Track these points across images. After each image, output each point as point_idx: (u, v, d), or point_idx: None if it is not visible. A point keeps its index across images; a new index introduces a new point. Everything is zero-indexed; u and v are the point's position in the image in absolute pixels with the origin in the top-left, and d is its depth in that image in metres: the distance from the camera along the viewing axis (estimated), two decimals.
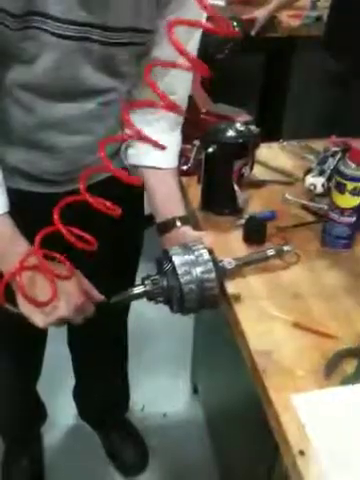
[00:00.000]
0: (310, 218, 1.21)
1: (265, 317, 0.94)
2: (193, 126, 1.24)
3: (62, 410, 1.81)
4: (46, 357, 1.47)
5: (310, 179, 1.24)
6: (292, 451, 0.73)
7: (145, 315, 1.59)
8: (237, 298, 0.98)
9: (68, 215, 0.78)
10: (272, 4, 2.56)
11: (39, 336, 1.35)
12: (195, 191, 1.24)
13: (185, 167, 1.30)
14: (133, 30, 0.90)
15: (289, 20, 2.65)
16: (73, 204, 0.78)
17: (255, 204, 1.24)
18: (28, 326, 0.86)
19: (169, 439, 1.77)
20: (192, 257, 0.88)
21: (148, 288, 0.90)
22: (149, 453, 1.73)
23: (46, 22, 0.83)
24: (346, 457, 0.73)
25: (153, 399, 1.89)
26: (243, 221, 1.15)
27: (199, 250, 0.89)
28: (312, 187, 1.24)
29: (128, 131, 0.81)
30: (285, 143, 1.49)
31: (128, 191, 0.90)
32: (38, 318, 0.85)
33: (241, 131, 1.14)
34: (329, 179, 1.21)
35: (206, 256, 0.89)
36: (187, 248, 0.90)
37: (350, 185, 1.04)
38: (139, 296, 0.91)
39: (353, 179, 1.04)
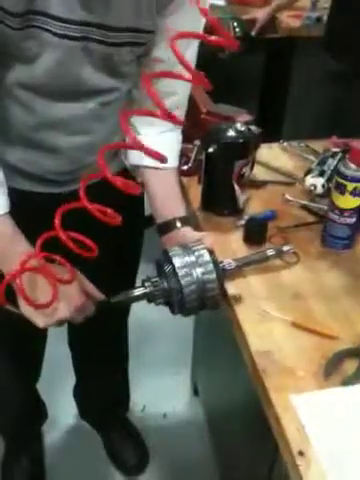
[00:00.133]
0: (310, 219, 1.21)
1: (265, 317, 0.95)
2: (194, 126, 1.24)
3: (62, 410, 1.81)
4: (46, 357, 1.47)
5: (310, 180, 1.25)
6: (292, 451, 0.73)
7: (146, 316, 1.59)
8: (237, 299, 0.98)
9: (68, 217, 0.78)
10: (272, 4, 2.56)
11: (39, 335, 1.35)
12: (195, 191, 1.24)
13: (186, 167, 1.31)
14: (134, 30, 0.90)
15: (289, 20, 2.65)
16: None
17: (255, 204, 1.24)
18: (28, 325, 0.86)
19: (169, 439, 1.77)
20: (192, 258, 0.88)
21: (148, 290, 0.90)
22: (149, 453, 1.73)
23: (47, 22, 0.83)
24: (346, 458, 0.73)
25: (153, 399, 1.89)
26: (243, 221, 1.15)
27: (199, 251, 0.89)
28: (312, 188, 1.24)
29: (128, 139, 0.81)
30: (285, 143, 1.49)
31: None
32: (39, 319, 0.85)
33: (242, 131, 1.14)
34: (329, 180, 1.21)
35: (206, 257, 0.89)
36: (187, 249, 0.90)
37: (350, 186, 1.04)
38: (139, 298, 0.91)
39: (353, 180, 1.04)
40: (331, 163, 1.27)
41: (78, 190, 0.75)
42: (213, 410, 1.72)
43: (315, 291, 1.01)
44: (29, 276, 0.83)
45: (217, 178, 1.18)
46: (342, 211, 1.07)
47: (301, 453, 0.73)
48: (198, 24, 0.91)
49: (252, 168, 1.23)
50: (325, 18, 2.31)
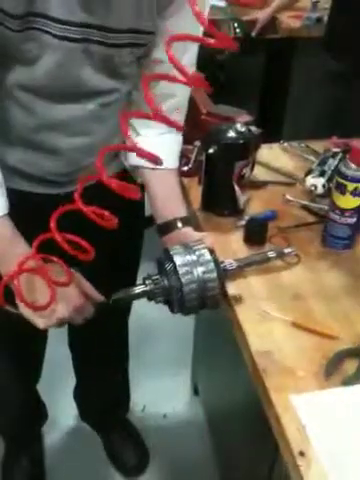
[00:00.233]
0: (311, 219, 1.21)
1: (266, 318, 0.95)
2: (194, 127, 1.24)
3: (63, 411, 1.81)
4: (47, 358, 1.47)
5: (311, 180, 1.25)
6: (292, 452, 0.73)
7: (146, 316, 1.59)
8: (238, 299, 0.98)
9: (66, 217, 0.78)
10: (273, 5, 2.56)
11: (39, 336, 1.35)
12: (196, 192, 1.24)
13: (186, 168, 1.31)
14: (134, 32, 0.90)
15: (290, 21, 2.66)
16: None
17: (256, 205, 1.24)
18: (28, 326, 0.86)
19: (169, 440, 1.77)
20: (193, 257, 0.88)
21: (149, 288, 0.90)
22: (149, 454, 1.73)
23: (47, 24, 0.83)
24: (347, 458, 0.73)
25: (153, 400, 1.89)
26: (244, 222, 1.15)
27: (200, 250, 0.89)
28: (313, 188, 1.24)
29: (127, 142, 0.81)
30: (286, 144, 1.49)
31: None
32: (38, 320, 0.85)
33: (242, 132, 1.14)
34: (330, 180, 1.21)
35: (207, 256, 0.89)
36: (188, 248, 0.90)
37: (351, 186, 1.04)
38: (140, 296, 0.91)
39: (354, 180, 1.04)
40: (331, 163, 1.27)
41: (74, 194, 0.75)
42: (213, 410, 1.72)
43: (315, 291, 1.01)
44: (27, 277, 0.83)
45: (217, 179, 1.18)
46: (343, 211, 1.07)
47: (302, 453, 0.73)
48: (198, 26, 0.91)
49: (252, 169, 1.23)
50: (325, 18, 2.31)
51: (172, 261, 0.88)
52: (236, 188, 1.16)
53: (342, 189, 1.05)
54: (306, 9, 2.69)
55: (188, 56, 0.96)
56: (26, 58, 0.87)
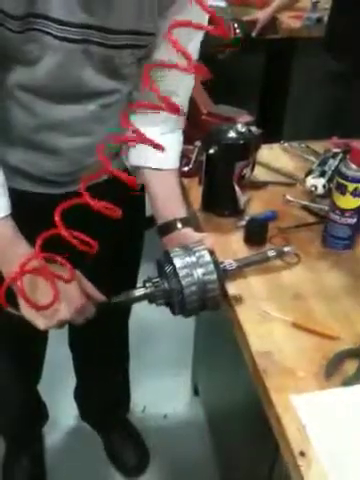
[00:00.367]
0: (311, 219, 1.21)
1: (266, 318, 0.95)
2: (194, 127, 1.24)
3: (63, 411, 1.81)
4: (47, 358, 1.47)
5: (311, 180, 1.25)
6: (293, 452, 0.74)
7: (146, 316, 1.59)
8: (238, 299, 0.98)
9: (69, 217, 0.78)
10: (273, 5, 2.56)
11: (40, 337, 1.35)
12: (196, 192, 1.24)
13: (186, 168, 1.31)
14: (135, 33, 0.90)
15: (290, 21, 2.66)
16: (74, 206, 0.78)
17: (256, 205, 1.24)
18: (29, 327, 0.86)
19: (170, 440, 1.77)
20: (193, 259, 0.88)
21: (149, 291, 0.90)
22: (150, 454, 1.73)
23: (47, 24, 0.83)
24: (347, 458, 0.73)
25: (154, 400, 1.89)
26: (244, 222, 1.15)
27: (200, 251, 0.89)
28: (313, 188, 1.24)
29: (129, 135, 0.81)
30: (286, 144, 1.49)
31: (129, 192, 0.91)
32: (39, 321, 0.85)
33: (242, 132, 1.14)
34: (330, 180, 1.21)
35: (207, 257, 0.89)
36: (188, 249, 0.90)
37: (351, 186, 1.04)
38: (140, 299, 0.91)
39: (354, 180, 1.04)
40: (332, 164, 1.27)
41: (78, 191, 0.75)
42: (214, 410, 1.72)
43: (315, 291, 1.01)
44: (29, 278, 0.83)
45: (218, 179, 1.18)
46: (343, 211, 1.08)
47: (302, 453, 0.73)
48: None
49: (253, 169, 1.24)
50: (325, 19, 2.31)
51: (172, 263, 0.88)
52: (236, 188, 1.16)
53: (342, 189, 1.05)
54: (306, 9, 2.69)
55: (190, 47, 0.95)
56: (27, 59, 0.88)
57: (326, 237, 1.13)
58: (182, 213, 1.02)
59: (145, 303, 0.92)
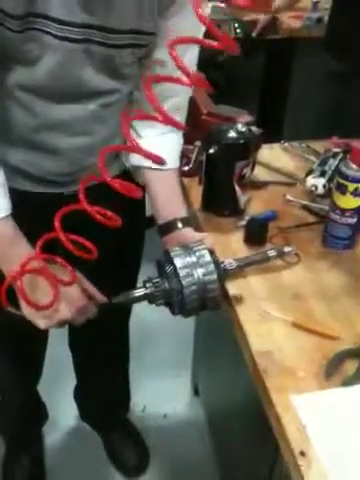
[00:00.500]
0: (311, 219, 1.21)
1: (266, 318, 0.95)
2: (194, 127, 1.24)
3: (63, 411, 1.81)
4: (47, 358, 1.47)
5: (311, 180, 1.25)
6: (293, 452, 0.73)
7: (146, 317, 1.59)
8: (238, 299, 0.98)
9: (69, 217, 0.78)
10: (274, 5, 2.56)
11: (40, 337, 1.35)
12: (196, 192, 1.24)
13: (186, 168, 1.31)
14: (135, 32, 0.90)
15: (290, 21, 2.66)
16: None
17: (256, 205, 1.24)
18: (29, 327, 0.86)
19: (170, 440, 1.77)
20: (193, 259, 0.88)
21: (149, 291, 0.90)
22: (150, 454, 1.73)
23: (47, 24, 0.83)
24: (347, 458, 0.73)
25: (154, 400, 1.89)
26: (244, 222, 1.15)
27: (200, 251, 0.89)
28: (313, 188, 1.24)
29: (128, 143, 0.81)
30: (286, 144, 1.49)
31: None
32: (40, 320, 0.85)
33: (242, 132, 1.14)
34: (330, 180, 1.21)
35: (207, 257, 0.89)
36: (188, 249, 0.90)
37: (351, 186, 1.04)
38: (140, 299, 0.91)
39: (354, 180, 1.04)
40: (332, 163, 1.27)
41: (78, 191, 0.75)
42: (214, 410, 1.72)
43: (315, 291, 1.01)
44: (30, 278, 0.83)
45: (218, 179, 1.18)
46: (343, 211, 1.07)
47: (302, 453, 0.73)
48: (200, 26, 0.91)
49: (253, 169, 1.24)
50: (326, 19, 2.32)
51: (172, 263, 0.88)
52: (236, 188, 1.16)
53: (342, 189, 1.05)
54: (307, 9, 2.69)
55: (189, 56, 0.96)
56: (27, 58, 0.88)
57: (326, 237, 1.13)
58: (182, 213, 1.02)
59: (145, 303, 0.93)
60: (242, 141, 1.13)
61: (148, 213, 1.19)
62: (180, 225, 1.00)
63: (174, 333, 1.98)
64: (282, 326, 0.93)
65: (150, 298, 0.91)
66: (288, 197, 1.25)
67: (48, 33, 0.84)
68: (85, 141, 1.01)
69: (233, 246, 1.11)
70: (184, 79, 0.63)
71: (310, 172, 1.27)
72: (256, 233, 1.12)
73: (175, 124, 0.70)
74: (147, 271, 0.98)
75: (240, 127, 1.15)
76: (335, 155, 1.30)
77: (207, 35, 0.65)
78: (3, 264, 0.87)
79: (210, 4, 0.99)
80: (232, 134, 1.14)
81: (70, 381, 1.70)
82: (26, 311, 0.85)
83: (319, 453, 0.73)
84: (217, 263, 0.90)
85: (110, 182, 0.72)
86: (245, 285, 1.01)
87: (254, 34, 2.54)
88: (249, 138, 1.15)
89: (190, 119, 1.09)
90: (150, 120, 0.70)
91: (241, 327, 0.93)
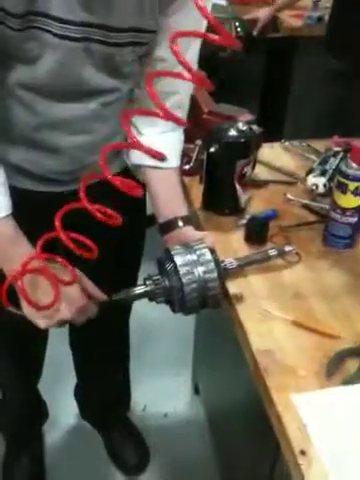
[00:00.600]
0: (312, 218, 1.21)
1: (266, 317, 0.95)
2: (195, 126, 1.24)
3: (63, 410, 1.81)
4: (47, 357, 1.47)
5: (312, 179, 1.25)
6: (294, 451, 0.73)
7: (146, 315, 1.59)
8: (239, 298, 0.98)
9: (70, 215, 0.78)
10: (274, 4, 2.56)
11: (40, 336, 1.35)
12: (197, 191, 1.24)
13: (187, 167, 1.31)
14: (136, 30, 0.90)
15: (291, 20, 2.66)
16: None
17: (257, 204, 1.24)
18: (29, 326, 0.86)
19: (170, 439, 1.77)
20: (194, 257, 0.88)
21: (150, 288, 0.90)
22: (150, 453, 1.73)
23: (48, 23, 0.83)
24: (347, 457, 0.73)
25: (154, 399, 1.89)
26: (245, 221, 1.15)
27: (201, 250, 0.89)
28: (314, 187, 1.24)
29: (129, 140, 0.81)
30: (287, 143, 1.49)
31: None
32: (40, 320, 0.85)
33: (243, 131, 1.14)
34: (331, 179, 1.21)
35: (208, 256, 0.89)
36: (189, 247, 0.90)
37: (352, 185, 1.04)
38: (140, 296, 0.92)
39: (355, 179, 1.04)
40: (333, 162, 1.27)
41: (79, 189, 0.75)
42: (214, 409, 1.72)
43: (316, 290, 1.01)
44: (30, 277, 0.83)
45: (218, 178, 1.18)
46: (344, 210, 1.07)
47: (303, 452, 0.73)
48: (201, 23, 0.90)
49: (254, 167, 1.23)
50: (326, 17, 2.32)
51: (173, 261, 0.88)
52: (237, 187, 1.16)
53: (343, 188, 1.05)
54: (307, 8, 2.69)
55: (190, 54, 0.96)
56: (27, 57, 0.87)
57: (327, 236, 1.13)
58: (183, 211, 1.02)
59: (145, 302, 0.93)
60: (243, 140, 1.13)
61: (149, 212, 1.18)
62: (181, 224, 1.00)
63: (174, 331, 1.99)
64: (283, 325, 0.93)
65: (150, 295, 0.91)
66: (289, 196, 1.25)
67: (48, 31, 0.84)
68: (86, 139, 1.01)
69: (234, 245, 1.11)
70: (185, 74, 0.63)
71: (311, 171, 1.27)
72: (257, 232, 1.12)
73: (176, 120, 0.70)
74: (147, 270, 0.98)
75: (241, 126, 1.15)
76: (336, 154, 1.30)
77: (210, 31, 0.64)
78: (4, 264, 0.87)
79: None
80: (233, 133, 1.14)
81: (70, 380, 1.71)
82: (27, 311, 0.85)
83: (320, 452, 0.73)
84: (217, 261, 0.90)
85: (111, 179, 0.72)
86: (246, 284, 1.01)
87: (255, 32, 2.54)
88: (250, 137, 1.15)
89: (191, 118, 1.09)
90: (151, 116, 0.70)
91: (242, 326, 0.93)
